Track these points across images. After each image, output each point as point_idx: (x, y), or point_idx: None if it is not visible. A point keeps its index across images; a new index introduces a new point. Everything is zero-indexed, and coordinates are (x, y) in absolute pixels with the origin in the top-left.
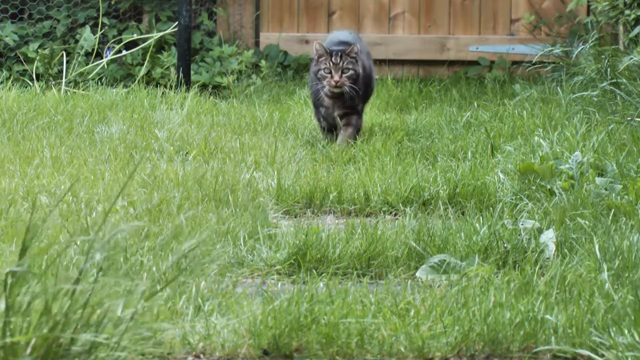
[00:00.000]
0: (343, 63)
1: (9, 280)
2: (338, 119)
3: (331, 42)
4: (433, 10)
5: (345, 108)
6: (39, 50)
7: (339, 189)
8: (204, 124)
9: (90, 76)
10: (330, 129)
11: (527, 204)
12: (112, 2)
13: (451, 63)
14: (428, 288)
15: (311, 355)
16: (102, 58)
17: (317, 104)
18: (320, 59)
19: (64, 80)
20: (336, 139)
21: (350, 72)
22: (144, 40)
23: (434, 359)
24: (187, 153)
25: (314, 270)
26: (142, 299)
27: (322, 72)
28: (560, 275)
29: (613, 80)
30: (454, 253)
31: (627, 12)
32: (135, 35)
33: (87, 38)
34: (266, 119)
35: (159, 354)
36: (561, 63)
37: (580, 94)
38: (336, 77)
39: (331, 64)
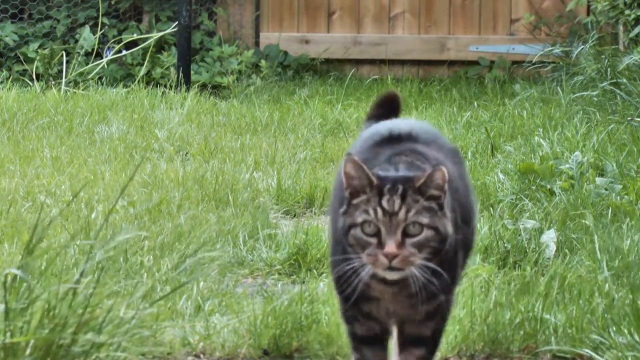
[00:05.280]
0: (408, 212)
1: (10, 281)
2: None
3: (376, 138)
4: (433, 10)
5: (414, 308)
6: (39, 50)
7: None
8: (204, 124)
9: (90, 76)
10: (374, 341)
11: (528, 204)
12: (112, 2)
13: (451, 63)
14: None
15: (311, 355)
16: (102, 58)
17: (343, 287)
18: (358, 199)
19: (64, 80)
20: None
21: (427, 232)
22: (144, 40)
23: None
24: (187, 153)
25: (314, 270)
26: (143, 301)
27: (357, 231)
28: (560, 275)
29: (613, 80)
30: None
31: (627, 12)
32: (135, 35)
33: (87, 38)
34: (266, 119)
35: (159, 353)
36: (561, 63)
37: (580, 94)
38: (391, 247)
39: (380, 212)
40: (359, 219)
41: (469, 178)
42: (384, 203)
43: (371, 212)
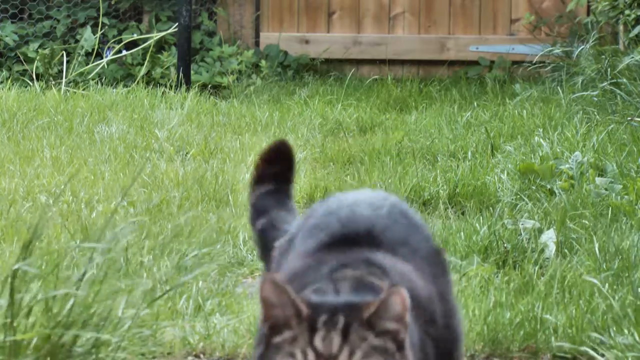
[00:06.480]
0: (352, 355)
1: (12, 279)
2: None
3: (321, 236)
4: (433, 10)
5: None
6: (39, 50)
7: (339, 189)
8: (204, 124)
9: (90, 76)
10: None
11: (527, 204)
12: (112, 2)
13: (451, 63)
14: None
15: None
16: (102, 58)
17: None
18: (280, 337)
19: (64, 80)
20: None
21: None
22: (144, 40)
23: None
24: (187, 153)
25: None
26: (143, 301)
27: None
28: (560, 275)
29: (613, 80)
30: (454, 253)
31: (627, 12)
32: (135, 35)
33: (88, 38)
34: (266, 119)
35: (159, 354)
36: (561, 63)
37: (581, 94)
38: None
39: (312, 356)
40: None
41: (453, 293)
42: (317, 342)
43: (299, 355)
